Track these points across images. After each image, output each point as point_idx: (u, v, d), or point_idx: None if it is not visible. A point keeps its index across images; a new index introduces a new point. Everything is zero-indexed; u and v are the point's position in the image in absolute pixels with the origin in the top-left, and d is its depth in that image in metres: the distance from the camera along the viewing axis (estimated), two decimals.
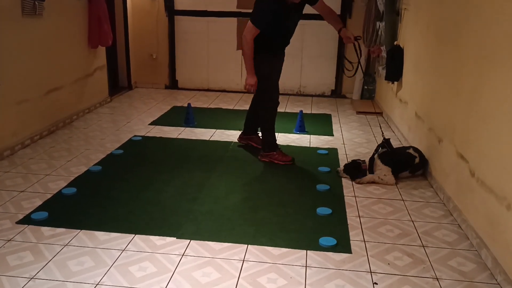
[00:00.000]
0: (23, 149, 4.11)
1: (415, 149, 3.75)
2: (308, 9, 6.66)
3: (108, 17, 5.52)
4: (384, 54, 5.27)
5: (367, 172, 3.63)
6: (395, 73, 4.84)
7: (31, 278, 2.28)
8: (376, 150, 3.77)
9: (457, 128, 3.11)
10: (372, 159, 3.67)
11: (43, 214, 2.88)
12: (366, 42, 5.78)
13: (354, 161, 3.70)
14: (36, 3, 4.19)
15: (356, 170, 3.64)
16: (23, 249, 2.53)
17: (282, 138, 4.65)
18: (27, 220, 2.84)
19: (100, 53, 5.70)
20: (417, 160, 3.66)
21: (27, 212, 2.95)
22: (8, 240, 2.62)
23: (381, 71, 5.50)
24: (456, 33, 3.24)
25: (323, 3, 3.84)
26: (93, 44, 5.38)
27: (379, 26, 5.33)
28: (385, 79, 5.08)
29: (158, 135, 4.67)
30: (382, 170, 3.57)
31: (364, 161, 3.67)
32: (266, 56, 3.75)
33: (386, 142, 3.72)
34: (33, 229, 2.75)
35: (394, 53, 4.83)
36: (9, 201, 3.10)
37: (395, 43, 4.95)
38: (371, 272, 2.43)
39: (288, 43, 3.94)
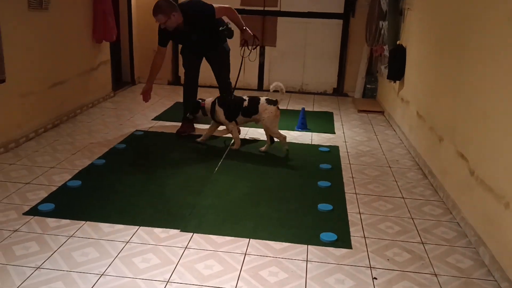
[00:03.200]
0: (27, 141, 4.16)
1: (253, 97, 4.15)
2: (312, 7, 6.63)
3: (113, 11, 5.56)
4: (386, 53, 5.30)
5: (208, 113, 4.19)
6: (397, 72, 4.87)
7: (37, 268, 2.33)
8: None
9: (458, 127, 3.15)
10: (213, 103, 4.16)
11: (50, 206, 2.92)
12: (369, 41, 5.81)
13: (196, 101, 4.27)
14: None
15: (197, 107, 4.21)
16: (28, 240, 2.58)
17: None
18: (33, 211, 2.89)
19: (105, 48, 5.73)
20: (245, 103, 4.09)
21: (33, 203, 2.99)
22: (14, 231, 2.66)
23: (383, 70, 5.54)
24: (458, 33, 3.27)
25: (220, 12, 4.32)
26: (97, 39, 5.42)
27: (382, 25, 5.36)
28: (387, 78, 5.12)
29: (160, 130, 4.71)
30: (218, 112, 4.14)
31: (204, 100, 4.23)
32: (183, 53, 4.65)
33: (225, 93, 4.38)
34: (39, 220, 2.79)
35: (396, 52, 4.87)
36: (14, 193, 3.14)
37: (398, 42, 4.99)
38: (370, 267, 2.47)
39: (203, 47, 4.52)
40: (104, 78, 5.80)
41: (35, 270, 2.31)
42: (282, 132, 4.62)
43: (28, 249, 2.49)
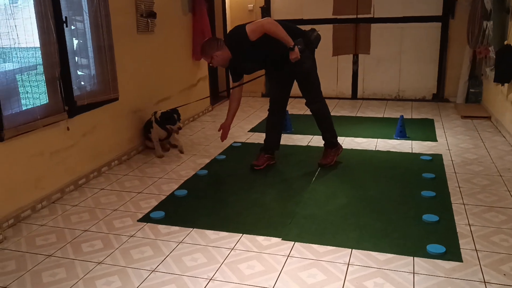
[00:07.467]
0: (137, 154, 4.50)
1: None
2: (407, 12, 6.45)
3: (210, 31, 5.85)
4: (492, 54, 4.97)
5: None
6: (505, 74, 4.54)
7: (152, 271, 2.51)
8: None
9: None
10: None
11: (161, 213, 3.14)
12: (472, 43, 5.49)
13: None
14: (149, 21, 4.59)
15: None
16: (143, 244, 2.79)
17: (382, 144, 4.58)
18: (146, 218, 3.12)
19: (203, 65, 6.04)
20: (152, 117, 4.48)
21: (145, 211, 3.23)
22: (131, 236, 2.89)
23: (489, 73, 5.19)
24: None
25: (254, 32, 3.61)
26: (196, 57, 5.73)
27: (486, 25, 5.04)
28: (494, 81, 4.78)
29: (257, 142, 4.84)
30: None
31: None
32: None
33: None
34: (151, 226, 3.01)
35: (504, 53, 4.54)
36: (129, 201, 3.42)
37: (505, 42, 4.65)
38: (485, 282, 2.32)
39: (273, 68, 3.96)
40: (203, 93, 6.10)
41: (151, 273, 2.49)
42: (381, 140, 4.51)
43: (143, 253, 2.69)
